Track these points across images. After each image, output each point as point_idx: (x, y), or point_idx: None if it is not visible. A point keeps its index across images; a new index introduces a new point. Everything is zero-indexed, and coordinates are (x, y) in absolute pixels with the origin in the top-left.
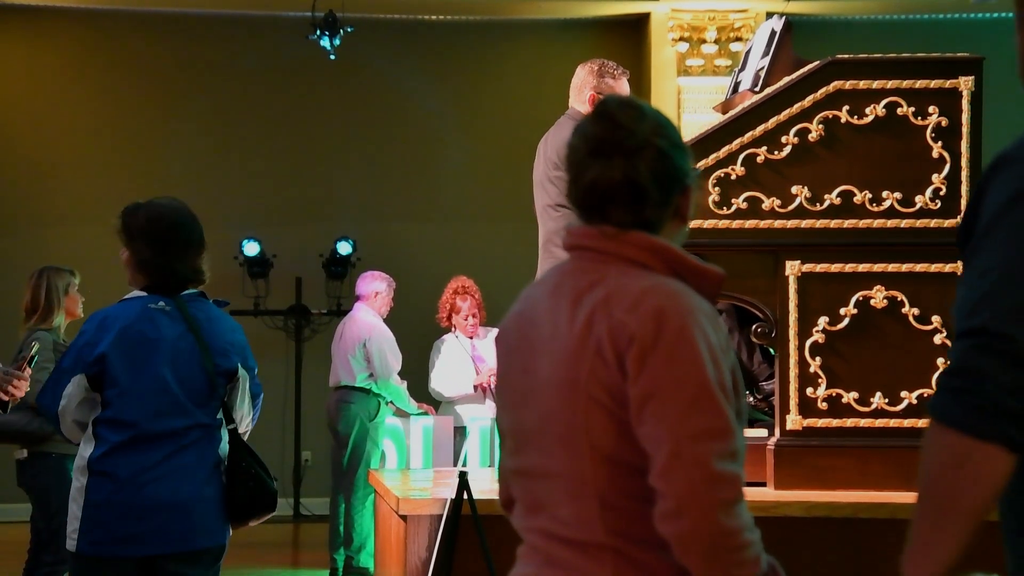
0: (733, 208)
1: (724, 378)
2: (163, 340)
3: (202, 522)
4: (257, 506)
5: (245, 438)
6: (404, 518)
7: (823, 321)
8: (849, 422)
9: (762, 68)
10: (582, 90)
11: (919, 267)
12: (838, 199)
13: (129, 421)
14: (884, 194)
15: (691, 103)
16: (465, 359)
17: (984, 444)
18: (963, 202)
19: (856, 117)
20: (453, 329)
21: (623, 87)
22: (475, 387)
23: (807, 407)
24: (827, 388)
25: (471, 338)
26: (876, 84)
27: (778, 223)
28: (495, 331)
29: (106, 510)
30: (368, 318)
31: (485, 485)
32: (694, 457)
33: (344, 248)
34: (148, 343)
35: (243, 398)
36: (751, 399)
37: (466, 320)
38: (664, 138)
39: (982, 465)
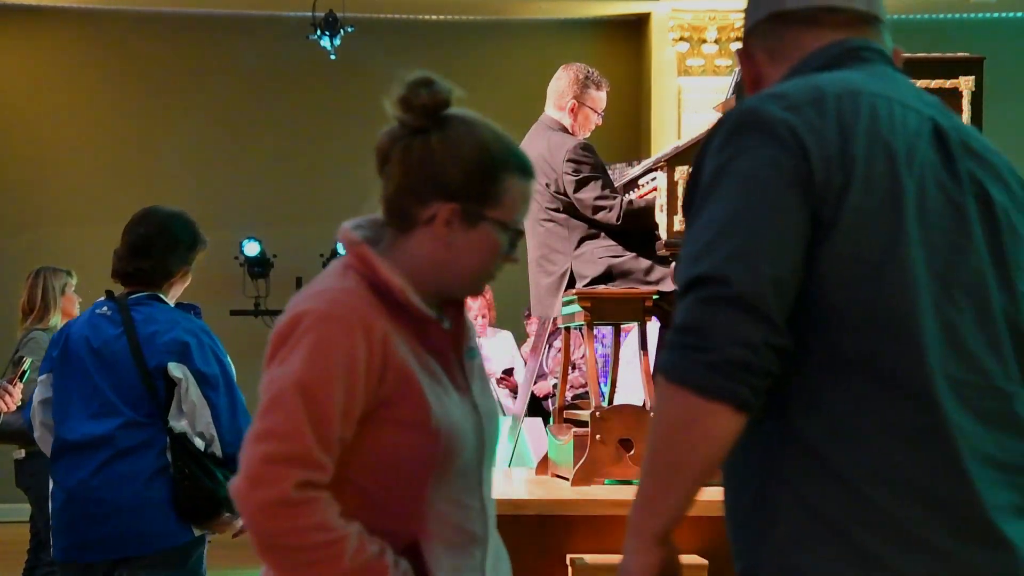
0: None
1: (336, 392)
2: (102, 345)
3: (152, 526)
4: (201, 510)
5: (209, 439)
6: None
7: None
8: None
9: None
10: (563, 96)
11: None
12: None
13: (59, 429)
14: None
15: (691, 103)
16: None
17: (713, 403)
18: None
19: None
20: None
21: (603, 97)
22: None
23: None
24: None
25: (479, 337)
26: None
27: None
28: (503, 332)
29: (63, 517)
30: None
31: None
32: (246, 457)
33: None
34: (86, 349)
35: (186, 398)
36: None
37: (475, 319)
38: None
39: (711, 425)
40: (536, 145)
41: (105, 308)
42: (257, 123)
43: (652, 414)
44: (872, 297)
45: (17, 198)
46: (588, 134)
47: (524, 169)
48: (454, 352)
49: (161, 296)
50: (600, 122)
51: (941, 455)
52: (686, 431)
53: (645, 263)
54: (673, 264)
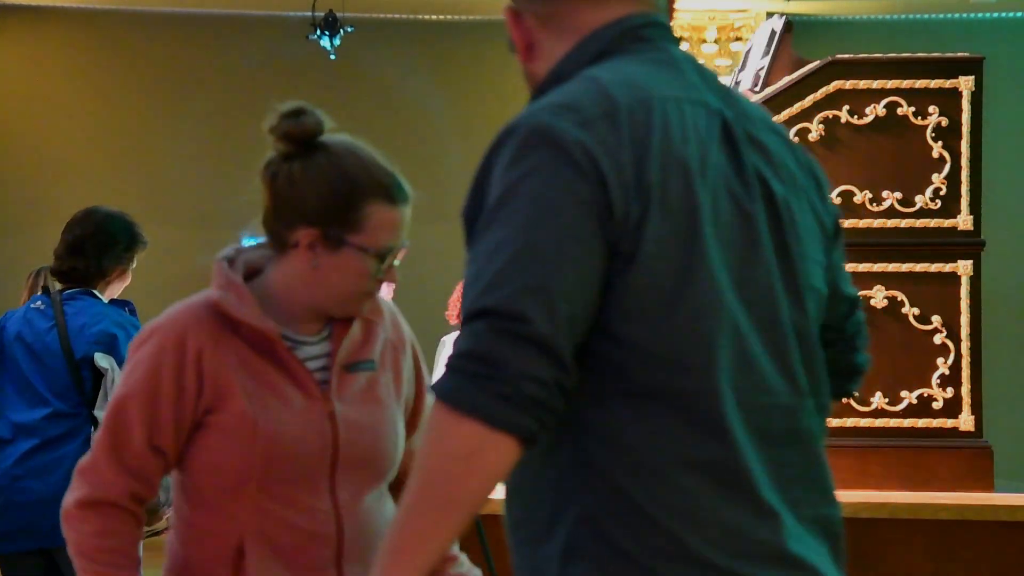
0: None
1: (135, 409)
2: (34, 338)
3: None
4: None
5: None
6: None
7: None
8: (849, 422)
9: (762, 68)
10: None
11: (919, 267)
12: (838, 199)
13: None
14: (884, 194)
15: None
16: None
17: (500, 435)
18: (964, 202)
19: (856, 117)
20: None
21: None
22: None
23: None
24: None
25: None
26: (876, 84)
27: None
28: None
29: (0, 506)
30: None
31: None
32: (69, 490)
33: None
34: (18, 342)
35: (112, 389)
36: None
37: None
38: None
39: (494, 458)
40: None
41: (39, 303)
42: (257, 123)
43: (423, 444)
44: (670, 327)
45: (17, 198)
46: None
47: (391, 196)
48: (332, 363)
49: (95, 292)
50: None
51: (737, 487)
52: (467, 463)
53: None
54: None
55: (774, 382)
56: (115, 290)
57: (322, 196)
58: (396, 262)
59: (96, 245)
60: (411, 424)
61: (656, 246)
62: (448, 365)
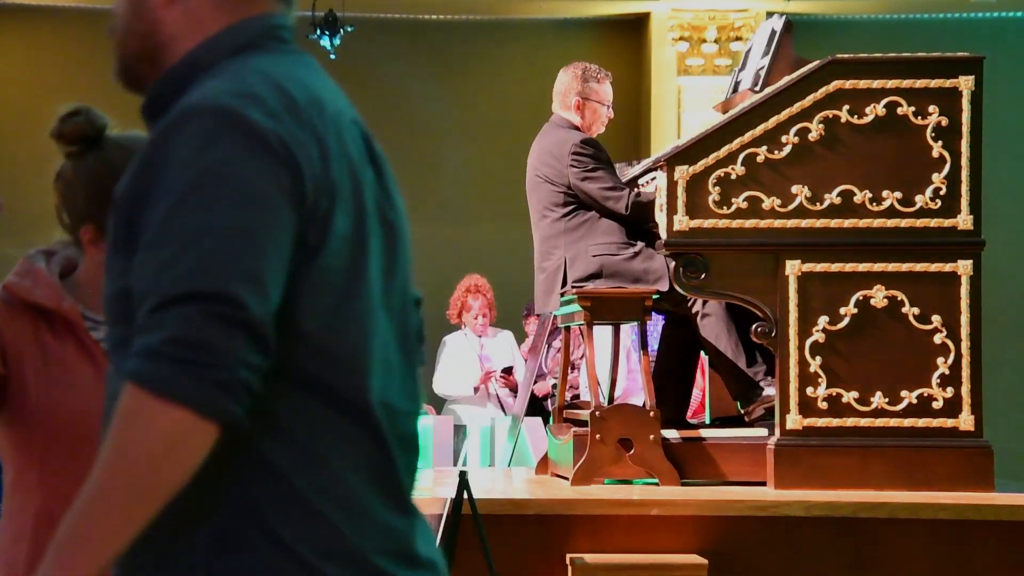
0: (733, 208)
1: None
2: None
3: None
4: None
5: None
6: None
7: (823, 321)
8: (849, 422)
9: (762, 68)
10: (567, 96)
11: (919, 267)
12: (838, 199)
13: None
14: (884, 194)
15: (691, 103)
16: (472, 357)
17: (207, 423)
18: (964, 202)
19: (856, 117)
20: (462, 327)
21: (607, 90)
22: (475, 389)
23: (807, 407)
24: (827, 388)
25: (480, 336)
26: (876, 84)
27: (778, 223)
28: (504, 331)
29: None
30: None
31: (485, 485)
32: None
33: None
34: None
35: None
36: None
37: (476, 319)
38: None
39: (196, 446)
40: (542, 141)
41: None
42: None
43: (116, 432)
44: (339, 324)
45: (16, 198)
46: (602, 128)
47: None
48: None
49: None
50: (611, 114)
51: (389, 486)
52: (171, 451)
53: (638, 268)
54: (673, 264)
55: (407, 389)
56: None
57: (90, 193)
58: None
59: None
60: None
61: (339, 243)
62: (149, 350)
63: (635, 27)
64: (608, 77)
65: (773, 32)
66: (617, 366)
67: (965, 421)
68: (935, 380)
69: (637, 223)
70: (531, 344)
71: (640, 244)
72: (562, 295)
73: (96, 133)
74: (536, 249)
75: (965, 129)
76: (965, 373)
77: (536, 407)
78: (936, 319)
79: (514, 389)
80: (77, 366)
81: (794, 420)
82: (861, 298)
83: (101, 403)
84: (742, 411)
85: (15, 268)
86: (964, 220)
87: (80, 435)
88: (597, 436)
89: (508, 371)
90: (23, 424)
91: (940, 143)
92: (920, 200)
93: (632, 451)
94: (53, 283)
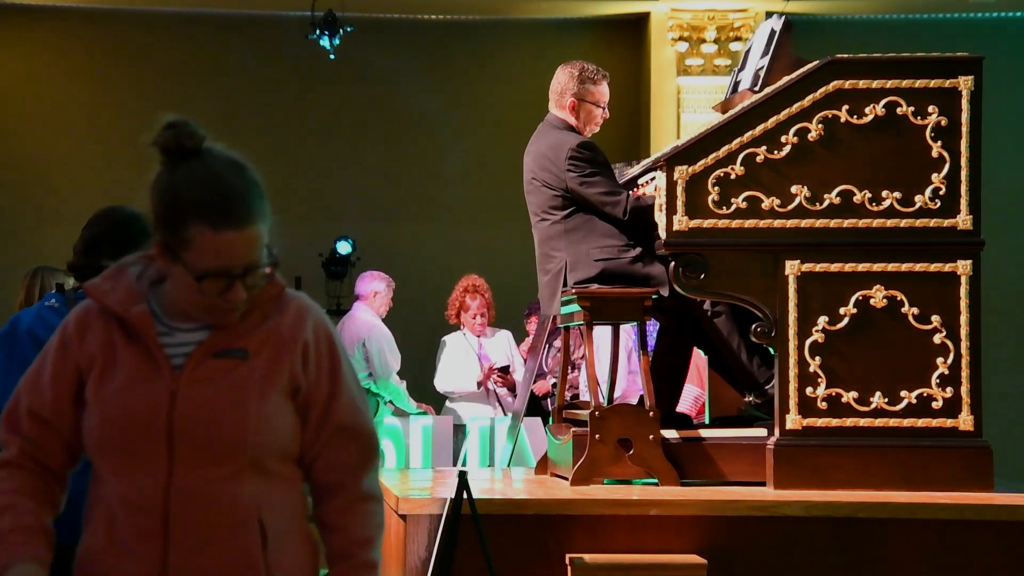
0: (732, 208)
1: (43, 381)
2: (47, 334)
3: None
4: None
5: None
6: (404, 517)
7: (823, 321)
8: (849, 422)
9: (762, 68)
10: (563, 95)
11: (919, 267)
12: (838, 199)
13: None
14: (884, 194)
15: (691, 103)
16: (471, 356)
17: None
18: (963, 201)
19: (856, 117)
20: (461, 327)
21: (603, 90)
22: (478, 384)
23: (807, 407)
24: (827, 388)
25: (478, 336)
26: (876, 84)
27: (778, 223)
28: (502, 331)
29: None
30: (367, 317)
31: (485, 484)
32: None
33: (344, 248)
34: (30, 340)
35: None
36: (749, 399)
37: (474, 319)
38: None
39: None
40: (539, 143)
41: (53, 301)
42: (257, 123)
43: None
44: None
45: (16, 198)
46: (596, 129)
47: (214, 222)
48: (205, 346)
49: None
50: (607, 115)
51: None
52: None
53: (640, 273)
54: (672, 264)
55: None
56: None
57: (155, 210)
58: (253, 282)
59: (113, 245)
60: (319, 421)
61: None
62: None
63: (635, 27)
64: (605, 77)
65: (772, 32)
66: (617, 366)
67: (964, 421)
68: (935, 380)
69: (633, 228)
70: (531, 344)
71: (639, 249)
72: (561, 297)
73: (178, 148)
74: (537, 251)
75: (964, 129)
76: (964, 373)
77: (536, 406)
78: (936, 319)
79: (511, 388)
80: (140, 371)
81: (794, 420)
82: (860, 298)
83: (150, 401)
84: (750, 400)
85: (106, 271)
86: (963, 220)
87: (136, 436)
88: (596, 436)
89: (505, 370)
90: (91, 424)
91: (939, 143)
92: (919, 200)
93: (631, 451)
94: (130, 288)
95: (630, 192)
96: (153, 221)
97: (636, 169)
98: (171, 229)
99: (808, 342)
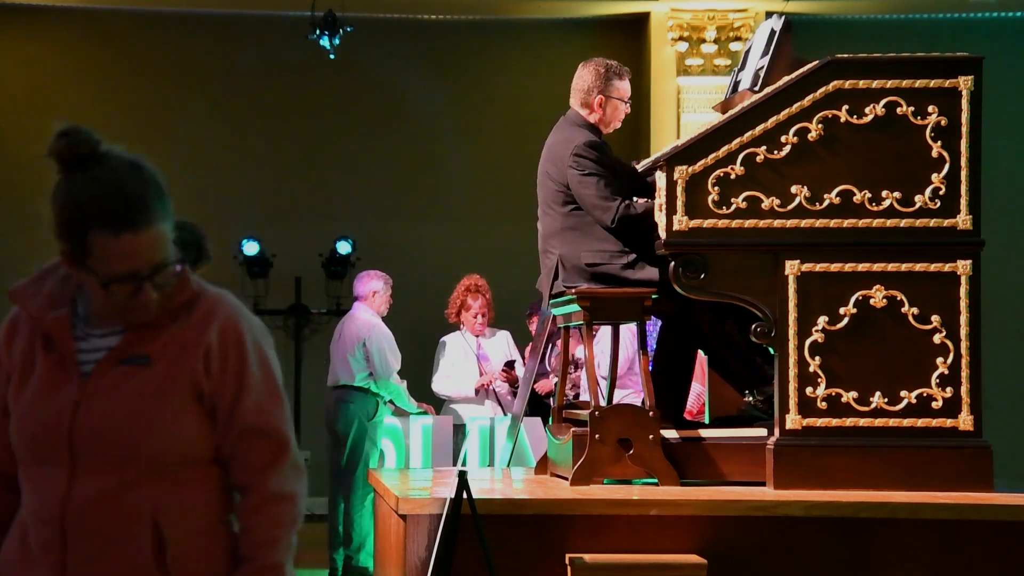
0: (732, 208)
1: None
2: None
3: None
4: None
5: None
6: (403, 517)
7: (822, 320)
8: (848, 421)
9: (761, 68)
10: (589, 93)
11: (919, 267)
12: (837, 199)
13: None
14: (883, 193)
15: (690, 103)
16: (470, 357)
17: None
18: (963, 201)
19: (856, 117)
20: (461, 326)
21: (627, 86)
22: (476, 390)
23: (806, 406)
24: (827, 388)
25: (478, 336)
26: (875, 84)
27: (777, 223)
28: (501, 331)
29: None
30: (367, 317)
31: (485, 484)
32: None
33: (344, 248)
34: None
35: None
36: (750, 399)
37: (475, 318)
38: None
39: None
40: (554, 137)
41: None
42: (256, 123)
43: None
44: None
45: (17, 198)
46: (619, 125)
47: (115, 226)
48: (113, 353)
49: None
50: (628, 111)
51: None
52: None
53: (630, 279)
54: (672, 264)
55: None
56: None
57: (56, 217)
58: (162, 281)
59: None
60: (226, 422)
61: None
62: None
63: (635, 27)
64: (628, 73)
65: (772, 32)
66: (617, 366)
67: (964, 421)
68: (934, 380)
69: (629, 232)
70: (532, 344)
71: (634, 255)
72: (552, 294)
73: (69, 155)
74: (539, 244)
75: (964, 129)
76: (964, 373)
77: (538, 405)
78: (935, 319)
79: (513, 383)
80: (54, 379)
81: (793, 420)
82: (860, 298)
83: (55, 409)
84: (750, 400)
85: (32, 274)
86: (963, 220)
87: (43, 447)
88: (596, 436)
89: (511, 365)
90: (11, 434)
91: (939, 143)
92: (919, 200)
93: (631, 451)
94: (53, 292)
95: (628, 200)
96: (55, 231)
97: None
98: (73, 237)
99: (808, 342)
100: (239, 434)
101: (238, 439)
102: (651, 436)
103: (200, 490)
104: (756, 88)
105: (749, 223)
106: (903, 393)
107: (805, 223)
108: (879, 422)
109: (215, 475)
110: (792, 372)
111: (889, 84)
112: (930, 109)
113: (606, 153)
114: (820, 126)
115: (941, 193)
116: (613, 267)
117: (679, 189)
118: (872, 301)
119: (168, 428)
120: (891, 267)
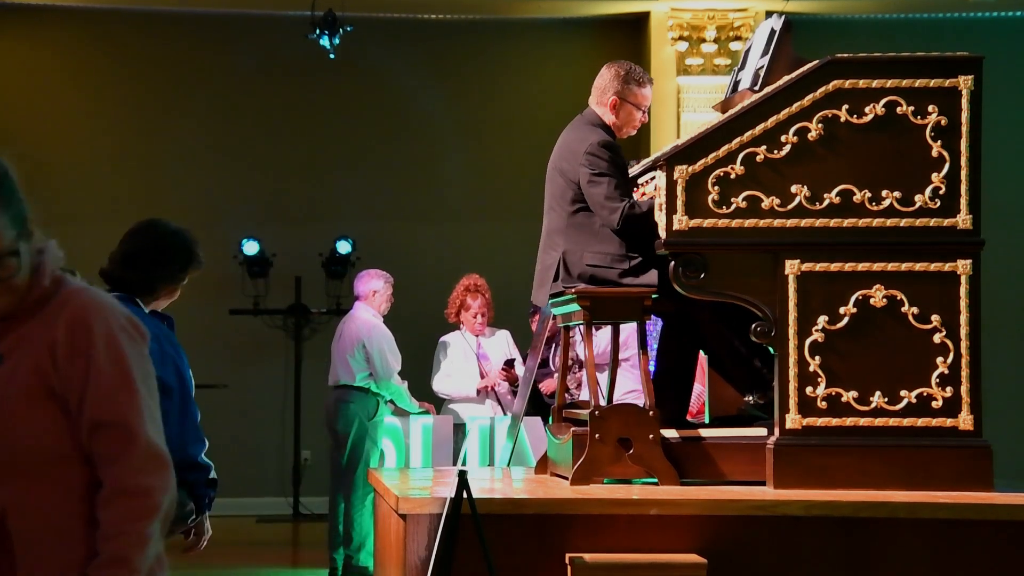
0: (732, 207)
1: None
2: None
3: None
4: None
5: None
6: (403, 517)
7: (822, 320)
8: (848, 421)
9: (762, 67)
10: (605, 92)
11: (919, 266)
12: (837, 198)
13: None
14: (883, 193)
15: (691, 102)
16: (470, 356)
17: None
18: (963, 201)
19: (855, 116)
20: (460, 326)
21: (646, 93)
22: (478, 391)
23: (806, 406)
24: (826, 387)
25: (477, 336)
26: (875, 83)
27: (777, 222)
28: (501, 331)
29: None
30: (367, 317)
31: (485, 484)
32: None
33: (344, 247)
34: None
35: None
36: (750, 399)
37: (475, 318)
38: None
39: None
40: (568, 134)
41: None
42: (256, 122)
43: None
44: None
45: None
46: (633, 132)
47: None
48: None
49: (138, 301)
50: (645, 119)
51: None
52: None
53: (626, 284)
54: (672, 264)
55: None
56: (160, 304)
57: None
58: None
59: (150, 260)
60: (77, 417)
61: None
62: None
63: (635, 26)
64: (650, 81)
65: (772, 32)
66: (617, 366)
67: (964, 421)
68: (934, 380)
69: (634, 235)
70: (532, 344)
71: (637, 259)
72: (552, 293)
73: None
74: (541, 239)
75: (964, 129)
76: (964, 373)
77: (539, 404)
78: (935, 319)
79: (513, 382)
80: None
81: (793, 420)
82: (860, 297)
83: None
84: (750, 400)
85: None
86: (963, 220)
87: None
88: (596, 435)
89: (510, 363)
90: None
91: (939, 143)
92: (919, 200)
93: (631, 450)
94: None
95: (632, 200)
96: None
97: (636, 169)
98: None
99: (808, 342)
100: (90, 428)
101: (90, 433)
102: (651, 436)
103: (58, 488)
104: (756, 88)
105: (749, 223)
106: (903, 393)
107: (805, 223)
108: (879, 422)
109: (78, 472)
110: (792, 372)
111: (889, 84)
112: (930, 109)
113: (619, 154)
114: (820, 126)
115: (941, 193)
116: (611, 272)
117: (679, 189)
118: (872, 301)
119: (19, 426)
120: (891, 267)
